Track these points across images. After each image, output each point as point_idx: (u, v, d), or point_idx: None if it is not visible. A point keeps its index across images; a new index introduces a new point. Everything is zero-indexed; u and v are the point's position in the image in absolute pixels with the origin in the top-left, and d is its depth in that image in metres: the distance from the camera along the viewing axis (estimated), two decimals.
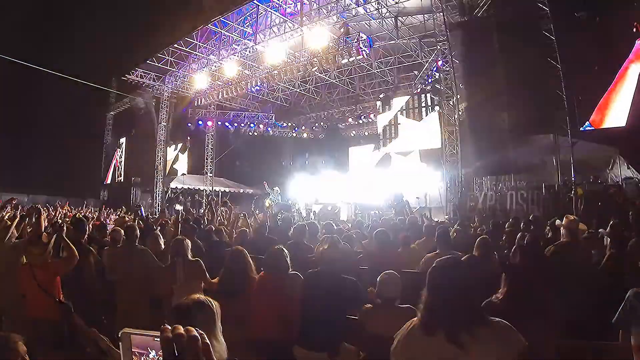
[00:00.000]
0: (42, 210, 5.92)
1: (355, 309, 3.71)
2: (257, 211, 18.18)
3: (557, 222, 5.98)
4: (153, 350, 1.08)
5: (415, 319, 2.18)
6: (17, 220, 5.58)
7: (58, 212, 12.05)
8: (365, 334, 3.62)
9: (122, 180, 29.57)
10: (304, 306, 3.80)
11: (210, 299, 2.03)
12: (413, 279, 4.98)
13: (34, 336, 3.91)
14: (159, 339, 1.02)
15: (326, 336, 3.55)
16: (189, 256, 4.74)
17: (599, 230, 6.45)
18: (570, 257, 4.83)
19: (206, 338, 1.01)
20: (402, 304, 3.55)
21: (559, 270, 4.71)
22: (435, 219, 11.34)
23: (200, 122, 25.41)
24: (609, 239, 5.15)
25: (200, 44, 19.99)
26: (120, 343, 1.10)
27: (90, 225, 8.42)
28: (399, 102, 21.23)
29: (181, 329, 0.99)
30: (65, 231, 4.73)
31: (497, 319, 1.98)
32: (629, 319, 3.09)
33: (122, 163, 29.77)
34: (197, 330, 1.01)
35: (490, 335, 1.91)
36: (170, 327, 1.00)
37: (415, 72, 19.48)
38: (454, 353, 1.91)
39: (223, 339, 1.92)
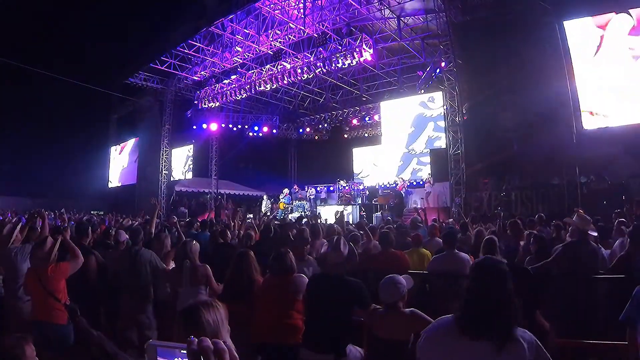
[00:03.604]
0: (45, 215, 5.95)
1: (361, 310, 3.70)
2: (262, 213, 18.24)
3: (566, 219, 5.95)
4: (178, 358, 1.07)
5: (447, 316, 2.16)
6: (20, 224, 5.60)
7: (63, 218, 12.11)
8: (371, 337, 3.61)
9: (126, 184, 29.64)
10: (309, 308, 3.79)
11: (217, 301, 2.02)
12: (421, 279, 5.00)
13: (40, 339, 3.92)
14: (185, 351, 1.01)
15: (332, 338, 3.54)
16: (197, 260, 4.74)
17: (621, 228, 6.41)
18: (580, 258, 4.80)
19: (234, 350, 1.00)
20: (408, 306, 3.53)
21: (567, 272, 4.70)
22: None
23: (204, 125, 25.44)
24: (628, 239, 5.09)
25: (204, 47, 20.03)
26: (145, 355, 1.09)
27: (98, 230, 8.46)
28: (402, 102, 21.23)
29: (208, 341, 0.98)
30: (69, 234, 4.73)
31: (527, 331, 1.98)
32: (636, 316, 3.07)
33: (126, 166, 29.81)
34: (224, 342, 1.00)
35: (518, 346, 1.90)
36: (197, 339, 0.99)
37: (419, 73, 19.46)
38: (480, 356, 1.91)
39: (231, 341, 1.92)
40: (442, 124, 17.79)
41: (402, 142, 21.06)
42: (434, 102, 19.37)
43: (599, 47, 13.04)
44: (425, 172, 20.06)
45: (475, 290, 2.08)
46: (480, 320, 1.96)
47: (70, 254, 4.66)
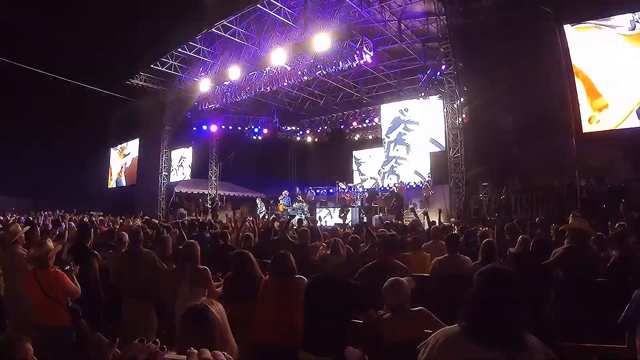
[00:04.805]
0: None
1: (360, 313, 3.70)
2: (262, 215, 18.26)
3: (564, 226, 5.94)
4: None
5: (450, 327, 2.14)
6: (28, 228, 5.62)
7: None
8: (382, 344, 3.61)
9: (126, 185, 29.63)
10: (308, 310, 3.80)
11: (218, 302, 2.04)
12: (423, 282, 5.00)
13: (40, 341, 3.92)
14: None
15: (331, 340, 3.55)
16: (198, 262, 4.73)
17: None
18: (581, 261, 4.80)
19: (235, 355, 1.00)
20: (413, 307, 3.54)
21: (567, 275, 4.70)
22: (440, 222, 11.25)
23: (204, 126, 25.42)
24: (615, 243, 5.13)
25: (204, 49, 20.05)
26: None
27: (98, 232, 8.46)
28: (402, 105, 21.27)
29: (208, 353, 0.98)
30: (76, 271, 4.66)
31: (531, 335, 1.98)
32: (635, 319, 3.08)
33: (127, 168, 29.80)
34: (224, 354, 0.99)
35: (531, 351, 1.91)
36: (196, 351, 0.98)
37: (419, 76, 19.49)
38: None
39: (234, 340, 1.94)
40: (442, 125, 17.81)
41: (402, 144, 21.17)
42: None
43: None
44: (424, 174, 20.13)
45: (483, 298, 2.05)
46: (491, 328, 1.94)
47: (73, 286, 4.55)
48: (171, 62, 21.01)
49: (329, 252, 3.95)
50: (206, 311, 1.90)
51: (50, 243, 4.55)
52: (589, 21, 13.12)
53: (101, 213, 22.55)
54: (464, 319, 2.06)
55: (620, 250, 5.05)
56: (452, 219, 12.88)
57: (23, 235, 5.40)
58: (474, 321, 2.02)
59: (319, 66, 17.80)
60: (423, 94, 18.87)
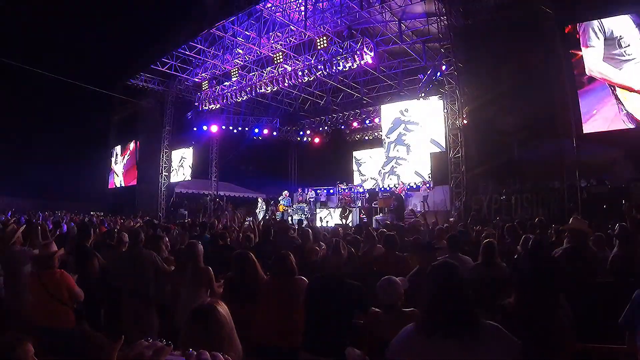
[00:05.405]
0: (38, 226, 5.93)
1: (361, 314, 3.70)
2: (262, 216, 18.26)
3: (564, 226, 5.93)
4: None
5: (408, 325, 2.22)
6: (24, 226, 5.60)
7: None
8: (373, 340, 3.61)
9: (126, 186, 29.62)
10: (309, 311, 3.79)
11: (222, 302, 2.04)
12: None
13: (44, 343, 3.91)
14: None
15: (332, 341, 3.54)
16: (201, 262, 4.73)
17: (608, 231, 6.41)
18: (580, 262, 4.80)
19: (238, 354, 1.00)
20: (408, 307, 3.54)
21: (569, 275, 4.70)
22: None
23: (204, 127, 25.41)
24: (617, 241, 5.12)
25: (205, 49, 20.05)
26: None
27: (98, 231, 8.44)
28: (402, 105, 21.27)
29: (207, 354, 0.98)
30: (75, 277, 4.67)
31: (490, 322, 2.06)
32: (635, 320, 3.08)
33: (127, 168, 29.78)
34: (223, 355, 0.99)
35: (487, 337, 1.97)
36: (195, 353, 0.98)
37: (420, 76, 19.49)
38: (453, 354, 1.95)
39: (239, 341, 1.95)
40: (442, 126, 17.82)
41: (402, 144, 21.19)
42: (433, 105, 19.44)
43: None
44: (425, 175, 20.13)
45: (437, 293, 2.14)
46: (448, 319, 2.02)
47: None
48: (171, 62, 21.01)
49: (330, 253, 3.95)
50: (214, 311, 1.89)
51: (54, 245, 4.55)
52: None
53: (101, 214, 22.56)
54: (422, 314, 2.18)
55: (622, 249, 5.04)
56: (451, 219, 12.86)
57: (20, 235, 5.39)
58: (424, 315, 2.15)
59: (319, 67, 17.82)
60: (423, 94, 18.87)
